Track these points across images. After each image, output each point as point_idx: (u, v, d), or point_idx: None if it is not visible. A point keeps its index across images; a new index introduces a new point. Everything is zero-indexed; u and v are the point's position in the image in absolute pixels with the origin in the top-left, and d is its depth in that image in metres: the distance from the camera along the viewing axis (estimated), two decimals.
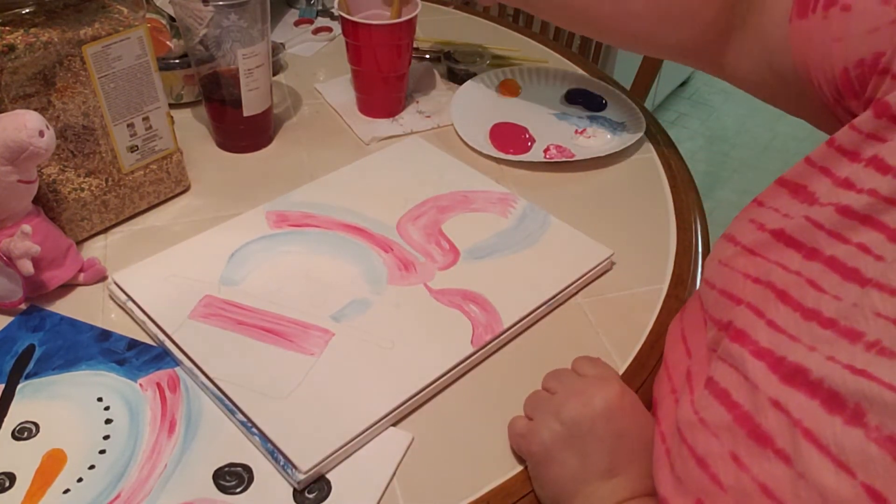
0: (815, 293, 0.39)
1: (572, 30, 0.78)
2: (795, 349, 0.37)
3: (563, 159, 0.80)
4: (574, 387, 0.51)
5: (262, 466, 0.51)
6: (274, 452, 0.51)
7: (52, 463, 0.51)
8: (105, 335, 0.60)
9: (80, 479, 0.50)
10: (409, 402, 0.55)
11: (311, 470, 0.50)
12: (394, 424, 0.54)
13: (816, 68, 0.50)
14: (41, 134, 0.56)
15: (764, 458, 0.36)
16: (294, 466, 0.50)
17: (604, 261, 0.67)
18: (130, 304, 0.61)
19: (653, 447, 0.47)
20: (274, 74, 0.93)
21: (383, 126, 0.86)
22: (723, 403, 0.40)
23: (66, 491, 0.49)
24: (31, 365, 0.57)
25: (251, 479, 0.50)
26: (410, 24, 0.81)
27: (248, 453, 0.52)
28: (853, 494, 0.31)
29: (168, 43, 0.83)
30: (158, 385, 0.56)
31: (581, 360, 0.54)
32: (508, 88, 0.91)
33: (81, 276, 0.64)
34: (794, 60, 0.52)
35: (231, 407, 0.54)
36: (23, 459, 0.51)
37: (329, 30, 1.05)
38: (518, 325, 0.61)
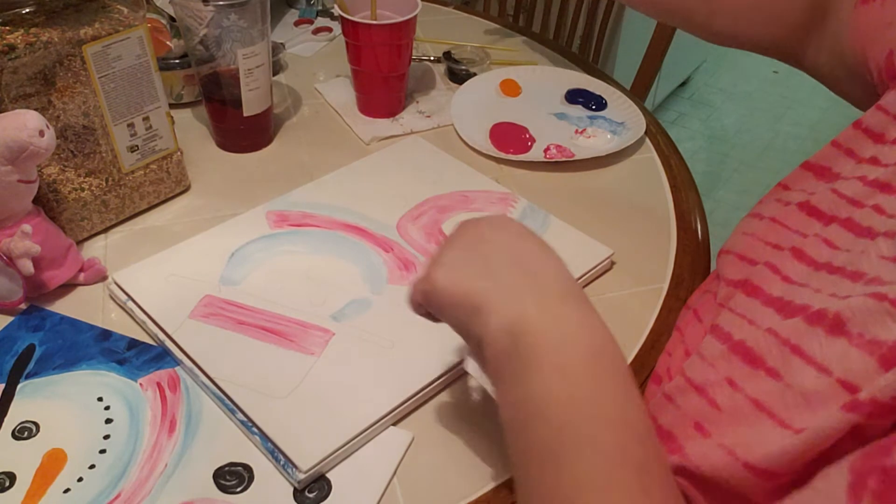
0: (829, 250, 0.41)
1: (662, 20, 0.77)
2: (802, 293, 0.39)
3: (563, 159, 0.80)
4: (464, 226, 0.47)
5: (262, 466, 0.51)
6: (274, 452, 0.51)
7: (53, 462, 0.51)
8: (105, 335, 0.60)
9: (80, 479, 0.50)
10: (409, 402, 0.55)
11: (311, 469, 0.50)
12: (394, 424, 0.54)
13: (871, 54, 0.50)
14: (41, 134, 0.56)
15: (756, 377, 0.38)
16: (294, 466, 0.50)
17: (604, 260, 0.67)
18: (130, 304, 0.61)
19: (554, 255, 0.45)
20: (274, 74, 0.93)
21: (383, 126, 0.86)
22: (722, 340, 0.42)
23: (67, 490, 0.49)
24: (32, 365, 0.57)
25: (251, 479, 0.50)
26: (410, 24, 0.81)
27: (248, 453, 0.52)
28: (829, 387, 0.34)
29: (168, 43, 0.83)
30: (159, 385, 0.56)
31: None
32: (508, 88, 0.91)
33: (81, 276, 0.64)
34: (853, 46, 0.53)
35: (231, 406, 0.54)
36: (23, 459, 0.51)
37: (329, 30, 1.05)
38: None
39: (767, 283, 0.43)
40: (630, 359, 0.60)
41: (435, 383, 0.56)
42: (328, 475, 0.51)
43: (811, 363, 0.35)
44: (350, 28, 0.81)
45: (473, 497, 0.50)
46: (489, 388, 0.43)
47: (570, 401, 0.37)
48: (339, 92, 0.91)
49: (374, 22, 0.80)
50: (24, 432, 0.52)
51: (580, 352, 0.39)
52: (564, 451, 0.36)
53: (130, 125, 0.67)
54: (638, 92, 1.26)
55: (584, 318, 0.41)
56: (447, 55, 0.95)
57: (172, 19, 0.82)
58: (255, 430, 0.52)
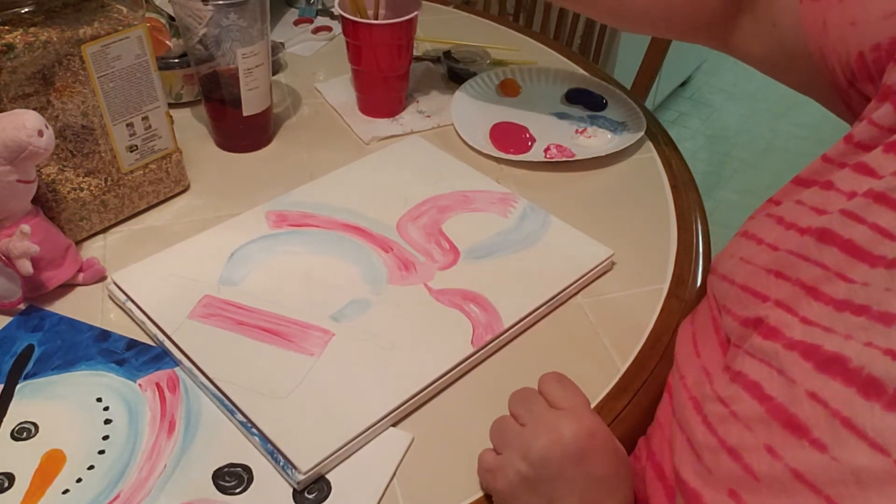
0: (844, 284, 0.39)
1: (589, 15, 0.77)
2: (831, 339, 0.37)
3: (564, 159, 0.80)
4: (544, 421, 0.47)
5: (261, 467, 0.51)
6: (274, 453, 0.51)
7: (52, 463, 0.50)
8: (104, 335, 0.60)
9: (79, 480, 0.50)
10: (409, 402, 0.55)
11: (310, 470, 0.49)
12: (394, 424, 0.54)
13: (831, 51, 0.50)
14: (40, 133, 0.56)
15: (799, 448, 0.36)
16: (294, 467, 0.50)
17: (604, 261, 0.67)
18: (130, 304, 0.61)
19: (625, 485, 0.46)
20: (274, 74, 0.93)
21: (383, 126, 0.86)
22: (754, 396, 0.40)
23: (66, 491, 0.49)
24: (30, 365, 0.57)
25: (251, 480, 0.50)
26: (410, 23, 0.81)
27: (247, 453, 0.52)
28: (885, 469, 0.32)
29: (167, 42, 0.83)
30: (158, 385, 0.56)
31: (551, 383, 0.50)
32: (508, 88, 0.91)
33: (80, 276, 0.64)
34: (806, 43, 0.52)
35: (231, 407, 0.54)
36: (22, 460, 0.51)
37: (329, 29, 1.05)
38: (518, 325, 0.61)
39: (786, 325, 0.41)
40: (630, 359, 0.60)
41: (435, 383, 0.56)
42: (328, 476, 0.51)
43: (864, 439, 0.33)
44: (350, 28, 0.81)
45: (473, 497, 0.50)
46: None
47: None
48: (339, 92, 0.91)
49: (375, 22, 0.80)
50: (23, 433, 0.52)
51: None
52: None
53: (129, 125, 0.67)
54: (638, 92, 1.26)
55: None
56: (447, 55, 0.95)
57: (172, 18, 0.82)
58: (254, 430, 0.52)
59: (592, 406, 0.56)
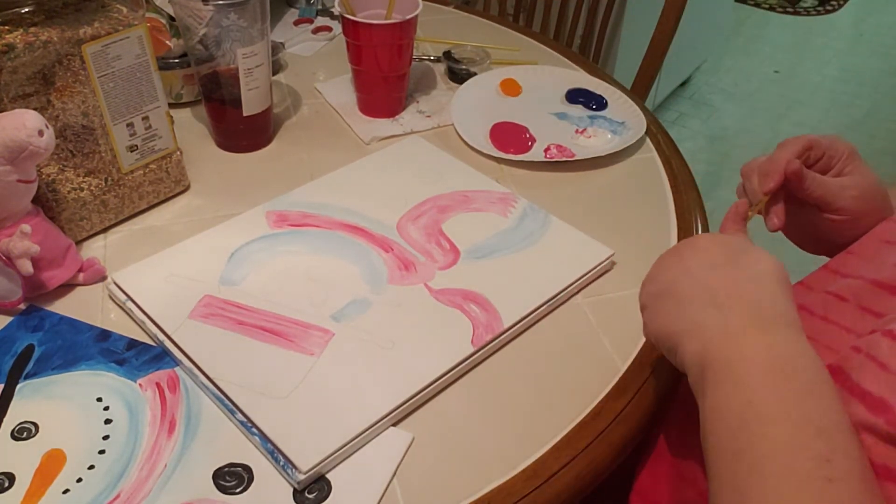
0: None
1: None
2: None
3: (564, 159, 0.80)
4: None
5: (262, 466, 0.51)
6: (274, 452, 0.51)
7: (52, 463, 0.50)
8: (104, 335, 0.60)
9: (79, 480, 0.50)
10: (409, 402, 0.55)
11: (311, 470, 0.49)
12: (394, 424, 0.54)
13: None
14: (40, 133, 0.56)
15: None
16: (294, 466, 0.50)
17: (604, 261, 0.67)
18: (130, 304, 0.61)
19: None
20: (274, 74, 0.93)
21: (383, 126, 0.86)
22: None
23: (66, 491, 0.49)
24: (31, 365, 0.57)
25: (251, 480, 0.50)
26: (410, 24, 0.81)
27: (248, 453, 0.52)
28: None
29: (167, 42, 0.83)
30: (158, 385, 0.56)
31: None
32: (508, 88, 0.91)
33: (81, 276, 0.64)
34: None
35: (231, 407, 0.54)
36: (22, 459, 0.51)
37: (329, 29, 1.05)
38: (518, 325, 0.61)
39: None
40: (630, 359, 0.60)
41: (435, 383, 0.56)
42: (328, 476, 0.51)
43: None
44: (351, 28, 0.81)
45: (473, 497, 0.50)
46: None
47: (746, 406, 0.42)
48: (339, 92, 0.91)
49: (375, 22, 0.80)
50: (24, 433, 0.52)
51: (755, 368, 0.43)
52: (741, 448, 0.41)
53: (130, 125, 0.67)
54: (638, 91, 1.26)
55: (760, 339, 0.44)
56: (447, 55, 0.95)
57: (172, 18, 0.82)
58: (254, 430, 0.52)
59: (592, 406, 0.56)
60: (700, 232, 0.73)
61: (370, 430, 0.52)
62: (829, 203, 0.58)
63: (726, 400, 0.43)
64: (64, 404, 0.54)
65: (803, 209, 0.60)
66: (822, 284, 0.56)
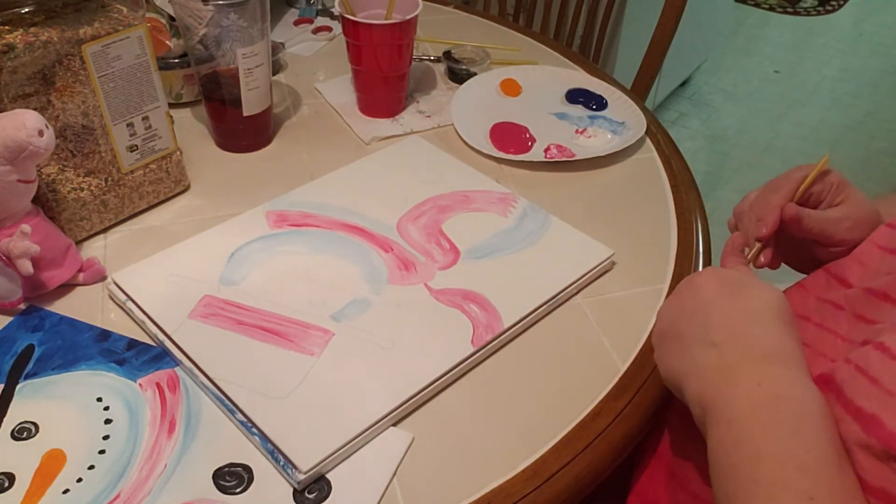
0: None
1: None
2: None
3: (564, 159, 0.80)
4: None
5: (262, 466, 0.51)
6: (274, 452, 0.51)
7: (52, 463, 0.50)
8: (104, 335, 0.60)
9: (79, 480, 0.50)
10: (409, 402, 0.55)
11: (311, 470, 0.49)
12: (394, 424, 0.54)
13: None
14: (40, 133, 0.56)
15: None
16: (294, 466, 0.50)
17: (604, 261, 0.67)
18: (130, 304, 0.61)
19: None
20: (274, 74, 0.93)
21: (383, 126, 0.86)
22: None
23: (66, 491, 0.49)
24: (31, 365, 0.57)
25: (251, 480, 0.50)
26: (410, 24, 0.81)
27: (248, 453, 0.52)
28: None
29: (168, 42, 0.83)
30: (158, 385, 0.56)
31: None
32: (508, 88, 0.91)
33: (81, 276, 0.64)
34: None
35: (231, 407, 0.54)
36: (22, 459, 0.51)
37: (329, 29, 1.05)
38: (518, 325, 0.61)
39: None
40: (630, 359, 0.60)
41: (435, 383, 0.56)
42: (328, 476, 0.51)
43: None
44: (351, 28, 0.81)
45: (473, 497, 0.50)
46: None
47: (735, 445, 0.43)
48: (339, 92, 0.91)
49: (375, 22, 0.80)
50: (24, 433, 0.52)
51: (744, 406, 0.44)
52: (731, 487, 0.42)
53: (130, 125, 0.67)
54: (638, 91, 1.26)
55: (751, 377, 0.45)
56: (447, 55, 0.95)
57: (172, 18, 0.82)
58: (254, 430, 0.52)
59: (592, 406, 0.56)
60: (700, 232, 0.73)
61: (370, 430, 0.52)
62: (828, 237, 0.59)
63: (721, 441, 0.44)
64: (64, 404, 0.54)
65: (801, 241, 0.60)
66: (819, 289, 0.56)
